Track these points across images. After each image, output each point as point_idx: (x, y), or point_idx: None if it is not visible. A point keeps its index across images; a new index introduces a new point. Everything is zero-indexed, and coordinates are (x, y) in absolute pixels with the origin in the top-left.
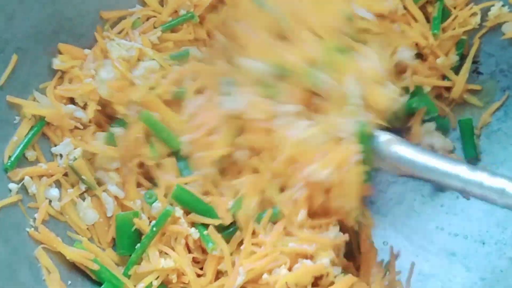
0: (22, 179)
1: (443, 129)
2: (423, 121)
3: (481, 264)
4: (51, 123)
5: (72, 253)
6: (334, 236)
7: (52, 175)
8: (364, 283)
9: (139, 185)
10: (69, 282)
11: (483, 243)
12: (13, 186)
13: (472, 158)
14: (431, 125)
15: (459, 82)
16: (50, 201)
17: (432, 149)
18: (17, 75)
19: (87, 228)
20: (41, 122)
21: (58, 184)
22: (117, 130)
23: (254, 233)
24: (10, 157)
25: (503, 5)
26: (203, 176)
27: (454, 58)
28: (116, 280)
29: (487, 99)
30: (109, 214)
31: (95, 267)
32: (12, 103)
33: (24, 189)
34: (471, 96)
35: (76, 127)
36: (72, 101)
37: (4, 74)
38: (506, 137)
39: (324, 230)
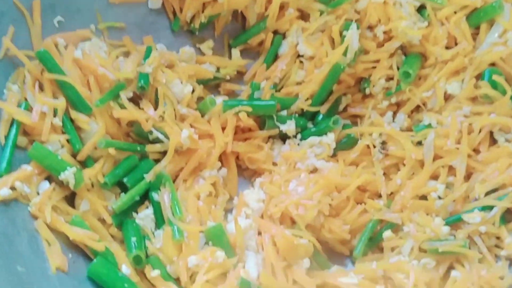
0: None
1: None
2: None
3: None
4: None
5: (76, 234)
6: None
7: (41, 174)
8: None
9: None
10: (70, 255)
11: None
12: (4, 191)
13: None
14: None
15: None
16: None
17: None
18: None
19: None
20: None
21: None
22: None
23: None
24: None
25: None
26: None
27: None
28: (112, 257)
29: None
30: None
31: (101, 248)
32: None
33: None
34: None
35: None
36: None
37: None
38: None
39: None
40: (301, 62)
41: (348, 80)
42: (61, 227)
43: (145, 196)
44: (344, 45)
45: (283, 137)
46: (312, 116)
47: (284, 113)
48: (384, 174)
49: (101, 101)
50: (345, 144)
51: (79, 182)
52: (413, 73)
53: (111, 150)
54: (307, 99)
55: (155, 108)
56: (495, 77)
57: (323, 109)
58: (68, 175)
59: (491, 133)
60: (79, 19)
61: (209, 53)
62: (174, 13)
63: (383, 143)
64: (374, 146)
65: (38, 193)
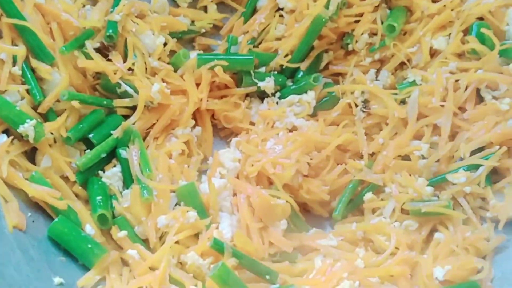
0: None
1: None
2: None
3: None
4: None
5: (35, 190)
6: None
7: None
8: None
9: None
10: (29, 214)
11: None
12: None
13: None
14: None
15: None
16: None
17: None
18: None
19: None
20: None
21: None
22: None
23: None
24: None
25: None
26: None
27: None
28: (75, 217)
29: None
30: None
31: (63, 206)
32: None
33: None
34: None
35: None
36: None
37: None
38: None
39: None
40: (281, 15)
41: (330, 35)
42: (19, 183)
43: (112, 155)
44: None
45: (261, 96)
46: (292, 74)
47: (262, 70)
48: (366, 134)
49: (66, 47)
50: (326, 103)
51: (39, 135)
52: (398, 27)
53: (75, 103)
54: (287, 55)
55: (125, 61)
56: (483, 30)
57: (304, 65)
58: (27, 128)
59: (478, 91)
60: None
61: (184, 5)
62: None
63: (365, 101)
64: (356, 105)
65: None
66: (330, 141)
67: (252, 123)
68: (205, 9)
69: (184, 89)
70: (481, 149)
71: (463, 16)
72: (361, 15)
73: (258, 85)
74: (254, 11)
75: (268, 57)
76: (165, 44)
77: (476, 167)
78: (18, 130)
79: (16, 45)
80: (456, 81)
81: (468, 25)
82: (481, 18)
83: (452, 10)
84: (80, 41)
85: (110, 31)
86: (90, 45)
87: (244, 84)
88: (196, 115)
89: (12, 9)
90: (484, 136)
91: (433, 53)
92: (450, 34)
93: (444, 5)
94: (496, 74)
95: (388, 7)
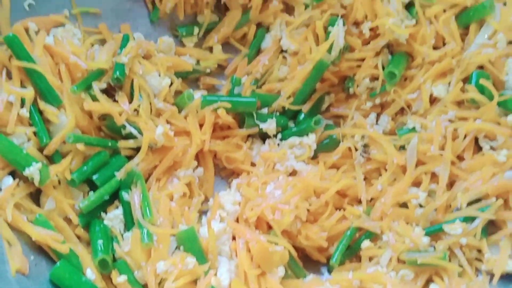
0: None
1: None
2: None
3: None
4: None
5: (39, 234)
6: None
7: (4, 168)
8: None
9: None
10: (32, 257)
11: None
12: None
13: None
14: None
15: None
16: None
17: None
18: None
19: None
20: None
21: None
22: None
23: None
24: None
25: None
26: None
27: None
28: (77, 261)
29: None
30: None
31: (65, 250)
32: None
33: None
34: None
35: None
36: None
37: None
38: None
39: None
40: (284, 57)
41: (332, 78)
42: (23, 226)
43: (115, 195)
44: (329, 42)
45: (263, 136)
46: (294, 115)
47: (264, 110)
48: (365, 178)
49: (78, 87)
50: (327, 145)
51: (44, 178)
52: (398, 74)
53: (80, 146)
54: (289, 97)
55: (131, 102)
56: (482, 81)
57: (305, 108)
58: (33, 171)
59: (476, 139)
60: (51, 3)
61: (190, 45)
62: (153, 2)
63: (365, 146)
64: (356, 149)
65: (0, 189)
66: (329, 187)
67: (253, 164)
68: (210, 49)
69: (188, 130)
70: (478, 200)
71: (463, 64)
72: (362, 59)
73: (260, 127)
74: (258, 52)
75: (271, 98)
76: (170, 84)
77: (472, 218)
78: (24, 173)
79: (25, 87)
80: (455, 129)
81: (468, 73)
82: (481, 67)
83: (452, 58)
84: (90, 80)
85: (118, 73)
86: (97, 86)
87: (247, 126)
88: (198, 156)
89: (22, 51)
90: (481, 187)
91: (433, 100)
92: (450, 82)
93: (445, 53)
94: (494, 125)
95: (390, 52)
